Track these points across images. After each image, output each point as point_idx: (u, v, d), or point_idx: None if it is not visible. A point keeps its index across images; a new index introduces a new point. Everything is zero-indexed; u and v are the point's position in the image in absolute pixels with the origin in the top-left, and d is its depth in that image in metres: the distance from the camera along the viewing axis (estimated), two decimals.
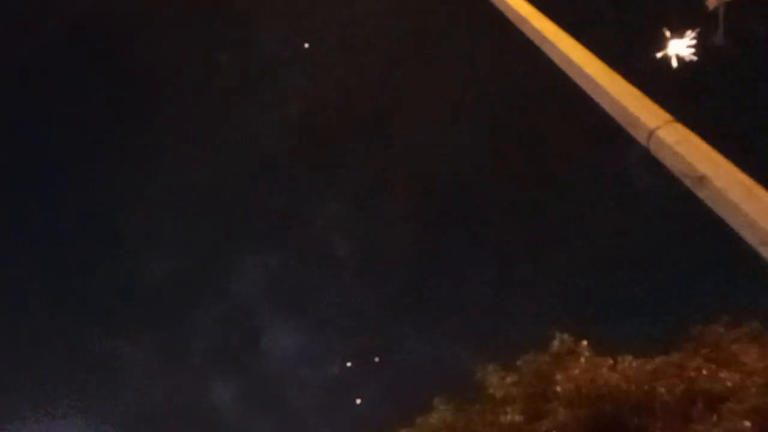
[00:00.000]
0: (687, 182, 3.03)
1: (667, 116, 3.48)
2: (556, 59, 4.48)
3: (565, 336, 9.38)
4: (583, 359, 8.58)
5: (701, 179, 2.94)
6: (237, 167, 20.17)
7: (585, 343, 9.10)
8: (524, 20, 4.86)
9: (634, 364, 8.13)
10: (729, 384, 7.44)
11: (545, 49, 4.62)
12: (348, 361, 19.08)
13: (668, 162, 3.16)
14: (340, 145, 19.33)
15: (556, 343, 9.42)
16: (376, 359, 18.46)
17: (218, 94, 20.21)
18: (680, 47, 6.12)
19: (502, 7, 5.29)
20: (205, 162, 20.40)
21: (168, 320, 20.51)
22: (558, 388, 8.33)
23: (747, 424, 7.11)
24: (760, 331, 7.89)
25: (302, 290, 20.62)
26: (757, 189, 2.81)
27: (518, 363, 9.58)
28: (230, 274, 21.80)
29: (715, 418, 7.34)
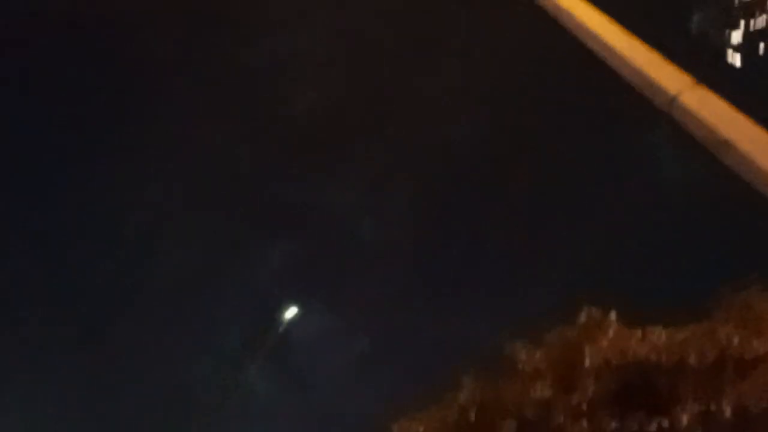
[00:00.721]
0: (711, 148, 2.96)
1: (689, 80, 3.39)
2: (572, 27, 4.38)
3: (593, 308, 9.29)
4: (611, 331, 8.51)
5: (726, 144, 2.86)
6: (252, 158, 20.25)
7: (613, 314, 9.02)
8: None
9: (664, 334, 8.05)
10: (760, 351, 7.35)
11: (560, 17, 4.52)
12: (374, 340, 19.17)
13: (691, 128, 3.09)
14: (352, 136, 19.28)
15: (583, 315, 9.34)
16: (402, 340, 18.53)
17: (231, 88, 20.24)
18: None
19: None
20: (220, 153, 20.51)
21: (190, 309, 20.78)
22: (587, 362, 8.28)
23: None
24: None
25: (324, 274, 20.74)
26: None
27: (546, 337, 9.53)
28: (251, 262, 21.96)
29: (746, 384, 7.26)
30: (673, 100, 3.31)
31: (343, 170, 20.47)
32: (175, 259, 21.03)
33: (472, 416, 9.11)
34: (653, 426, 7.36)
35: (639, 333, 8.31)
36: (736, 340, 7.66)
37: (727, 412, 7.21)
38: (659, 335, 8.14)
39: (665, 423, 7.33)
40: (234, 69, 20.09)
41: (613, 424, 7.63)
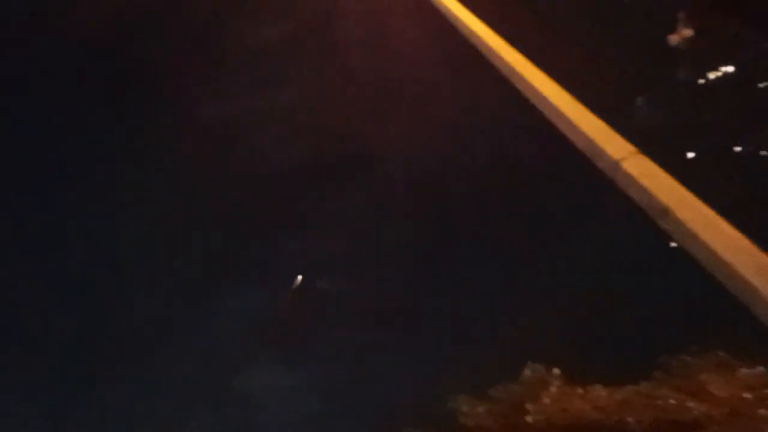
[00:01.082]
0: (651, 213, 3.09)
1: (631, 148, 3.57)
2: (526, 91, 4.57)
3: (537, 364, 9.42)
4: (554, 388, 8.62)
5: (665, 211, 3.00)
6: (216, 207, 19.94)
7: (557, 371, 9.14)
8: (494, 52, 4.97)
9: (604, 393, 8.19)
10: (696, 413, 7.54)
11: (514, 81, 4.72)
12: (325, 397, 18.82)
13: (633, 193, 3.23)
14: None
15: (527, 371, 9.45)
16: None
17: (194, 140, 20.08)
18: None
19: (473, 40, 5.41)
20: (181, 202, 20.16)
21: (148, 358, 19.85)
22: (529, 419, 8.34)
23: None
24: (726, 360, 8.02)
25: (284, 329, 20.36)
26: (719, 221, 2.87)
27: (491, 392, 9.58)
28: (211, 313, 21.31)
29: None
30: (616, 165, 3.46)
31: (311, 223, 20.39)
32: (135, 307, 20.30)
33: None
34: None
35: (580, 391, 8.43)
36: (673, 403, 7.84)
37: None
38: (600, 393, 8.27)
39: None
40: (195, 122, 20.00)
41: None
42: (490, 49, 4.90)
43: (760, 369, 7.79)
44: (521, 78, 4.59)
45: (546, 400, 8.40)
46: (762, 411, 7.53)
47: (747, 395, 7.63)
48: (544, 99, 4.31)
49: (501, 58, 4.68)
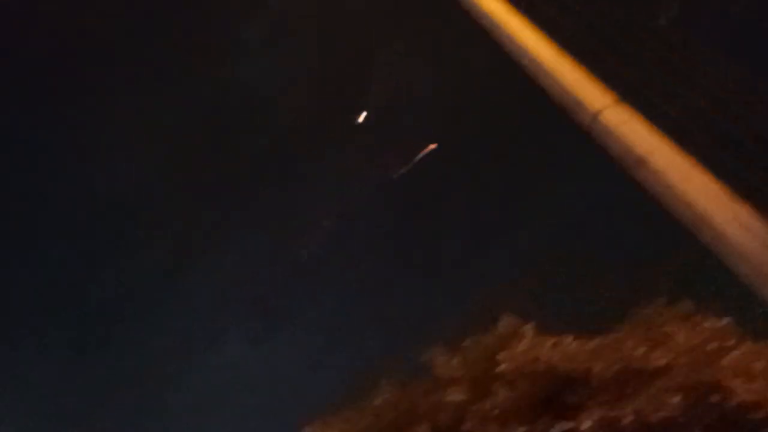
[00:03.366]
0: (626, 165, 3.08)
1: (613, 97, 3.53)
2: (504, 40, 4.49)
3: (511, 316, 9.56)
4: (526, 339, 8.79)
5: (641, 161, 2.99)
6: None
7: (530, 324, 9.30)
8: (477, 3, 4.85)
9: (575, 344, 8.38)
10: (661, 362, 7.77)
11: (494, 30, 4.63)
12: (297, 347, 19.04)
13: (610, 144, 3.21)
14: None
15: (501, 324, 9.59)
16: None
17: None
18: None
19: None
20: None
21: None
22: (500, 368, 8.51)
23: (675, 399, 7.45)
24: (693, 311, 8.23)
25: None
26: (696, 170, 2.87)
27: (464, 344, 9.72)
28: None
29: (647, 393, 7.65)
30: (594, 118, 3.44)
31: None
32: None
33: (386, 420, 9.17)
34: (557, 430, 7.64)
35: (552, 341, 8.62)
36: (640, 352, 8.07)
37: (628, 419, 7.56)
38: (570, 344, 8.47)
39: (568, 427, 7.63)
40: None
41: (522, 429, 7.86)
42: None
43: (727, 320, 8.01)
44: (499, 26, 4.50)
45: (518, 351, 8.58)
46: (725, 361, 7.79)
47: (712, 345, 7.87)
48: (523, 48, 4.24)
49: (479, 5, 4.58)
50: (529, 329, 9.11)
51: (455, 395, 8.68)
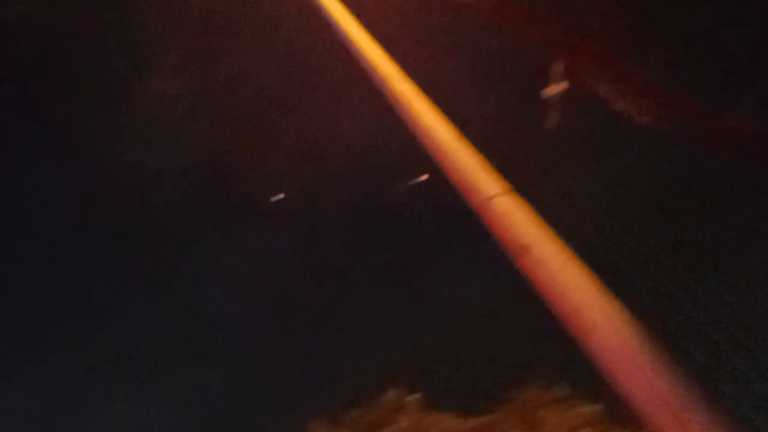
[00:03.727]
0: (512, 251, 3.21)
1: (505, 185, 3.70)
2: (408, 120, 4.64)
3: (396, 390, 9.53)
4: (409, 415, 8.76)
5: (526, 248, 3.13)
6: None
7: (414, 397, 9.29)
8: (383, 80, 5.02)
9: (455, 422, 8.44)
10: None
11: (399, 109, 4.79)
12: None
13: (498, 230, 3.35)
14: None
15: (387, 396, 9.54)
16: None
17: None
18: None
19: (364, 64, 5.43)
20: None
21: None
22: None
23: None
24: (567, 396, 8.57)
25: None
26: (573, 262, 3.03)
27: (349, 416, 9.56)
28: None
29: None
30: (487, 201, 3.58)
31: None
32: None
33: None
34: None
35: (433, 418, 8.63)
36: None
37: None
38: (451, 422, 8.51)
39: None
40: None
41: None
42: (378, 74, 4.94)
43: (598, 406, 8.37)
44: (405, 106, 4.66)
45: (400, 425, 8.51)
46: None
47: (584, 430, 8.16)
48: (427, 130, 4.40)
49: (387, 84, 4.74)
50: (413, 403, 9.10)
51: None
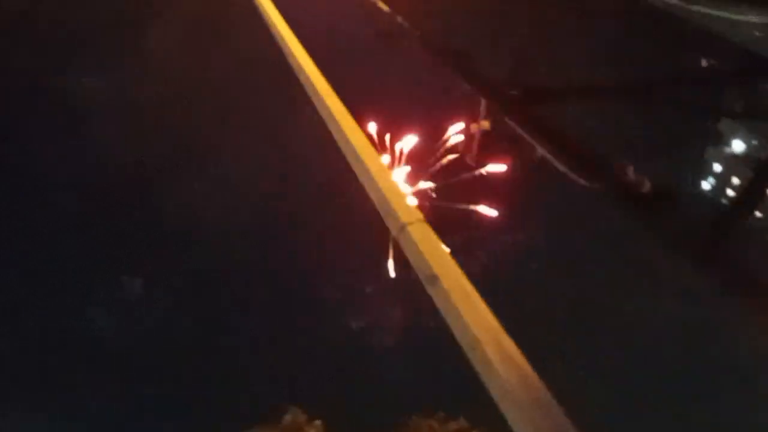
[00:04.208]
0: (421, 277, 3.26)
1: (419, 215, 3.77)
2: (339, 141, 4.67)
3: (297, 411, 9.37)
4: None
5: (434, 278, 3.18)
6: None
7: (319, 422, 9.15)
8: (319, 98, 5.04)
9: None
10: None
11: (331, 128, 4.81)
12: None
13: (410, 256, 3.40)
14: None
15: (288, 417, 9.35)
16: None
17: None
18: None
19: (302, 80, 5.44)
20: None
21: None
22: None
23: None
24: (466, 428, 8.69)
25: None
26: (474, 296, 3.12)
27: None
28: None
29: None
30: (402, 228, 3.64)
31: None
32: None
33: None
34: None
35: None
36: None
37: None
38: None
39: None
40: None
41: None
42: (315, 93, 4.97)
43: None
44: (338, 128, 4.70)
45: None
46: None
47: None
48: (353, 152, 4.44)
49: (321, 101, 4.76)
50: (315, 426, 8.96)
51: None
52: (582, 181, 3.49)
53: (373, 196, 4.12)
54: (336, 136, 4.70)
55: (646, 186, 2.92)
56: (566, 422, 2.60)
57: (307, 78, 5.25)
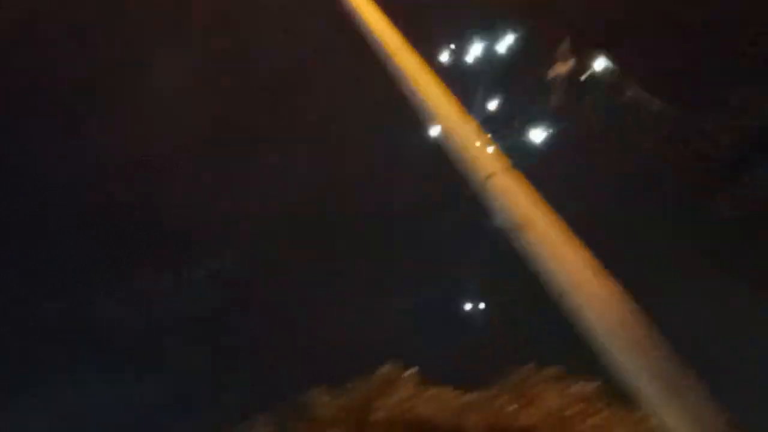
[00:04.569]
0: (509, 226, 3.28)
1: (505, 163, 3.75)
2: (415, 98, 4.67)
3: (393, 364, 9.65)
4: (404, 388, 8.88)
5: (521, 226, 3.19)
6: None
7: (411, 371, 9.40)
8: (391, 55, 5.04)
9: (450, 396, 8.56)
10: (529, 420, 8.10)
11: (405, 87, 4.81)
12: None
13: (496, 206, 3.41)
14: None
15: (384, 369, 9.65)
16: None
17: None
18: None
19: (371, 39, 5.44)
20: None
21: None
22: (374, 416, 8.54)
23: None
24: (563, 375, 8.68)
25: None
26: (569, 242, 3.10)
27: (347, 387, 9.70)
28: None
29: None
30: (487, 179, 3.64)
31: None
32: None
33: None
34: None
35: (429, 392, 8.75)
36: (509, 409, 8.37)
37: None
38: (446, 397, 8.63)
39: None
40: None
41: None
42: (385, 48, 4.97)
43: (595, 384, 8.47)
44: (412, 85, 4.69)
45: (394, 399, 8.64)
46: (588, 423, 8.20)
47: (579, 406, 8.27)
48: (433, 108, 4.43)
49: (396, 61, 4.76)
50: (409, 377, 9.22)
51: None
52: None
53: (455, 149, 4.12)
54: (413, 90, 4.70)
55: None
56: (662, 358, 2.59)
57: (383, 35, 5.25)
